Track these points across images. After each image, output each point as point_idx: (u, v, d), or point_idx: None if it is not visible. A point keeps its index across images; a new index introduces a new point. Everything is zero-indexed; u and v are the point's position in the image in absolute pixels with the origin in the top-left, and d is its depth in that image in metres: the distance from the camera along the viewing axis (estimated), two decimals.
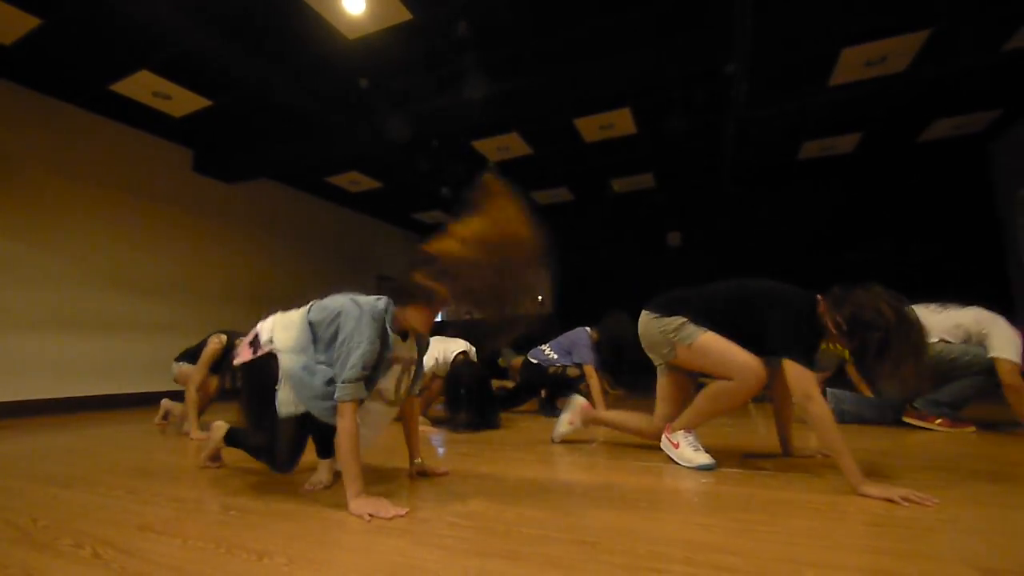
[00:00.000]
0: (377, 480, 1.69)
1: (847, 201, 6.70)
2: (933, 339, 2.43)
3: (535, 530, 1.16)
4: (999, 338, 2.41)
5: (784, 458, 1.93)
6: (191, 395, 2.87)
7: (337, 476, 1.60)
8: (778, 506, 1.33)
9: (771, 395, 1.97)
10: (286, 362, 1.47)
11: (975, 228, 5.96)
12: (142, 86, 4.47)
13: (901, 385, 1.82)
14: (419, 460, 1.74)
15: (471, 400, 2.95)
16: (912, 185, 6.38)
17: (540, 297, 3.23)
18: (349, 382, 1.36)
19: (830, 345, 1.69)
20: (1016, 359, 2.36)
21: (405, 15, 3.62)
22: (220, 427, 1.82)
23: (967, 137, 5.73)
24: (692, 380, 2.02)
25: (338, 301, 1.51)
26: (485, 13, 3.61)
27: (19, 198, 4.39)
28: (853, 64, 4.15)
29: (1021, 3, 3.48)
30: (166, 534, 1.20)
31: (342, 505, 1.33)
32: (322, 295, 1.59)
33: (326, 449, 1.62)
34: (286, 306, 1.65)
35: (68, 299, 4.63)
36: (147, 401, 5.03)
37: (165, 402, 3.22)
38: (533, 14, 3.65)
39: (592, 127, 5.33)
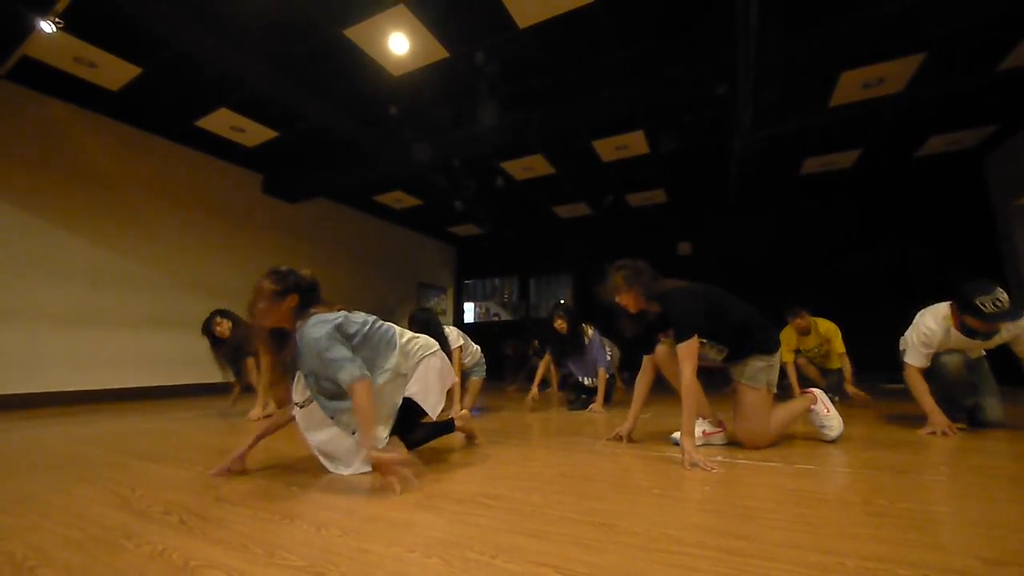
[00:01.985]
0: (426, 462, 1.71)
1: (847, 213, 6.43)
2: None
3: (559, 512, 1.15)
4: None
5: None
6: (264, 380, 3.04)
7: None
8: (784, 494, 1.28)
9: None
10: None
11: (972, 237, 5.63)
12: (221, 121, 4.69)
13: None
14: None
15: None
16: (910, 198, 6.08)
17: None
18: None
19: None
20: (910, 361, 2.25)
21: (443, 53, 3.68)
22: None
23: (962, 152, 5.44)
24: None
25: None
26: (513, 49, 3.65)
27: (121, 217, 4.65)
28: (852, 86, 4.00)
29: (1012, 28, 3.31)
30: (239, 505, 1.24)
31: (389, 488, 1.35)
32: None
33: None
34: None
35: (159, 302, 4.87)
36: (224, 390, 5.23)
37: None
38: (555, 49, 3.66)
39: (608, 148, 5.30)
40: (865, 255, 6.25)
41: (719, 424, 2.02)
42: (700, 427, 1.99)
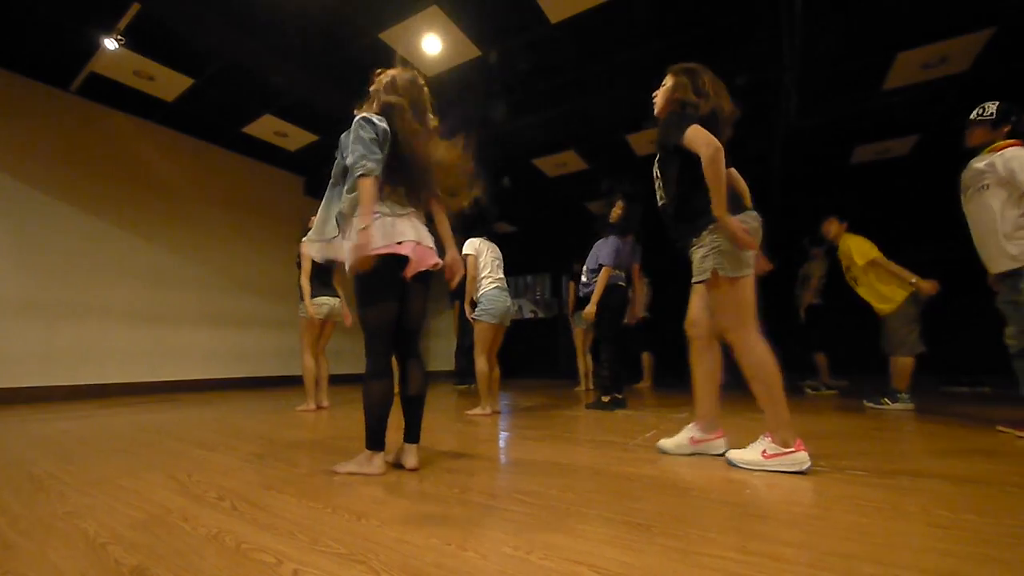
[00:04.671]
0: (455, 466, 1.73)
1: (903, 203, 6.01)
2: None
3: (595, 511, 1.14)
4: None
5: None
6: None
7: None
8: (834, 501, 1.21)
9: None
10: None
11: None
12: (266, 127, 4.91)
13: None
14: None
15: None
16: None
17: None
18: None
19: None
20: None
21: (474, 52, 3.70)
22: None
23: None
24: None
25: None
26: (546, 45, 3.62)
27: (175, 220, 4.96)
28: (909, 67, 3.72)
29: None
30: (285, 493, 1.30)
31: (427, 482, 1.37)
32: None
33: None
34: None
35: (213, 300, 5.16)
36: (273, 384, 5.50)
37: None
38: (588, 43, 3.61)
39: (642, 142, 5.17)
40: (926, 248, 5.82)
41: (715, 430, 1.74)
42: (688, 433, 1.75)
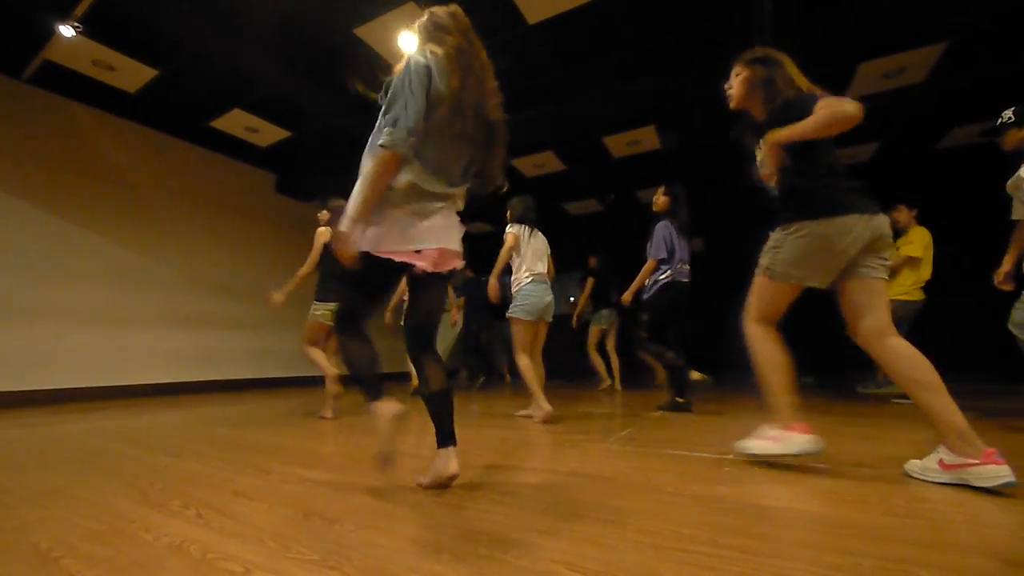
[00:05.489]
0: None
1: None
2: None
3: (571, 509, 1.15)
4: None
5: None
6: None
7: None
8: (800, 493, 1.26)
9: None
10: None
11: (997, 232, 5.46)
12: (235, 122, 4.76)
13: None
14: None
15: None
16: (929, 191, 5.92)
17: None
18: None
19: None
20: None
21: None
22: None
23: (985, 144, 5.27)
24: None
25: None
26: (523, 45, 3.63)
27: (139, 217, 4.75)
28: (871, 77, 3.90)
29: None
30: (255, 500, 1.26)
31: (402, 481, 1.36)
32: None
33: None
34: None
35: (176, 300, 4.97)
36: (239, 387, 5.33)
37: None
38: (565, 44, 3.64)
39: (620, 144, 5.25)
40: None
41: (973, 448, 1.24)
42: (936, 456, 1.32)
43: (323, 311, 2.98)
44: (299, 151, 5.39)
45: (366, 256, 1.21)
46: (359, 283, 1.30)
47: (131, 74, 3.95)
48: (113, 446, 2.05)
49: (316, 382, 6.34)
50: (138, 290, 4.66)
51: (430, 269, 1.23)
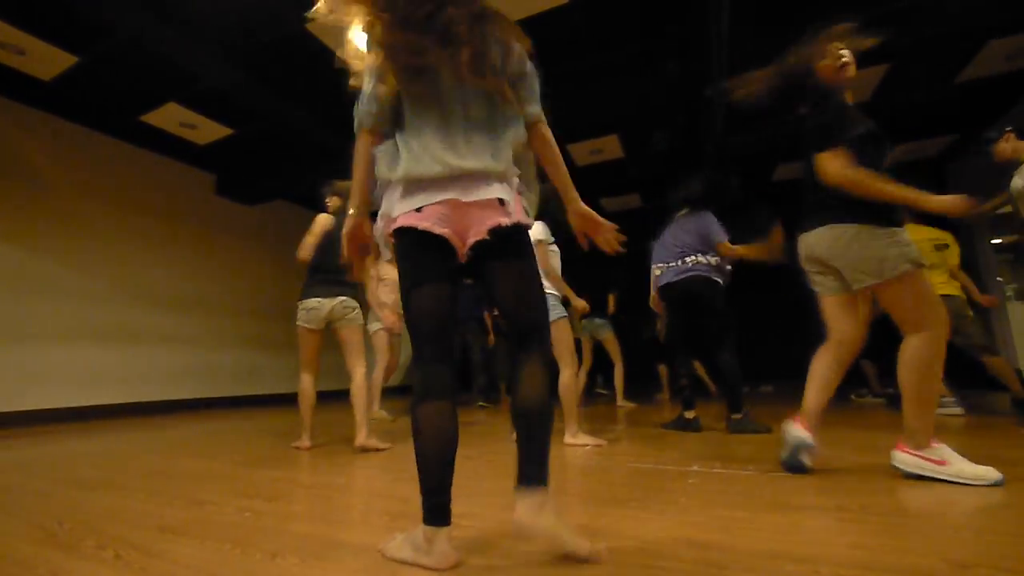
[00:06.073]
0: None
1: None
2: None
3: None
4: None
5: (762, 463, 1.91)
6: None
7: None
8: (761, 503, 1.31)
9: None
10: None
11: None
12: (170, 117, 4.51)
13: None
14: None
15: None
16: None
17: None
18: None
19: None
20: None
21: None
22: None
23: (925, 160, 5.79)
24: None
25: None
26: None
27: (53, 221, 4.39)
28: None
29: (970, 41, 3.56)
30: (185, 535, 1.17)
31: (353, 510, 1.31)
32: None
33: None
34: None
35: (97, 313, 4.61)
36: (168, 409, 4.99)
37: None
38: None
39: (583, 152, 5.38)
40: None
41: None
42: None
43: (302, 312, 2.56)
44: (242, 150, 5.17)
45: (396, 233, 1.03)
46: (407, 270, 1.04)
47: (46, 60, 3.67)
48: (15, 480, 1.86)
49: (265, 401, 6.04)
50: (48, 301, 4.28)
51: (437, 230, 0.98)
